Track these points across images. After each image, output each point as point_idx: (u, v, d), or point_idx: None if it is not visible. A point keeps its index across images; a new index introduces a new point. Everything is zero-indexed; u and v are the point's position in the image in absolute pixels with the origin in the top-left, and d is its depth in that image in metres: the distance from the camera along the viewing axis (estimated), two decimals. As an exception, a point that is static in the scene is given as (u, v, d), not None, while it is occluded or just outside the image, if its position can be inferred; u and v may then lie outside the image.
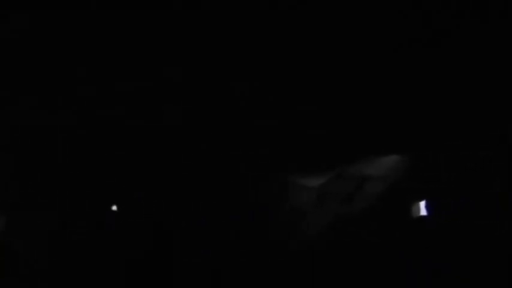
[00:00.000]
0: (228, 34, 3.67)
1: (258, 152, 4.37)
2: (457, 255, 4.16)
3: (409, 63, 3.79)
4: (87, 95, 4.10)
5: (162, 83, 3.99)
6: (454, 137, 4.16)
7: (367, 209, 4.30)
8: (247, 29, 3.62)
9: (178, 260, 4.38)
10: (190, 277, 4.34)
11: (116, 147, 4.37)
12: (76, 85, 4.04)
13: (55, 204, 4.50)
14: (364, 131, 4.21)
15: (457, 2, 3.46)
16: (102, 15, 3.57)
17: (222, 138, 4.30)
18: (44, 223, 4.45)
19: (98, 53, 3.82)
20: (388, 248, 4.24)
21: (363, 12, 3.51)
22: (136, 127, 4.27)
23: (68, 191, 4.52)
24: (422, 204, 4.39)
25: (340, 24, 3.58)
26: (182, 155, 4.39)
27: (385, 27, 3.59)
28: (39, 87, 4.04)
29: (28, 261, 4.37)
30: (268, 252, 4.30)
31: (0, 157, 4.41)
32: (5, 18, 3.60)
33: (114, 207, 4.53)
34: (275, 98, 4.06)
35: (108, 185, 4.52)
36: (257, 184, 4.43)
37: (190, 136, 4.30)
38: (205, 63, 3.86)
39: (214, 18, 3.57)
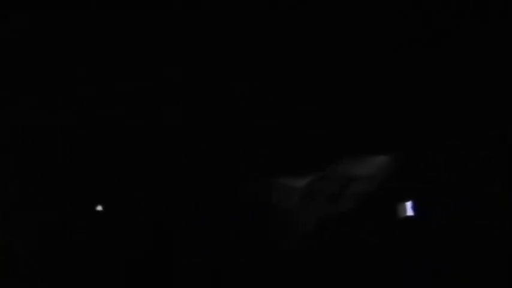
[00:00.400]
0: (228, 34, 3.67)
1: (258, 152, 4.37)
2: (455, 256, 4.16)
3: (409, 63, 3.79)
4: (87, 95, 4.10)
5: (162, 83, 3.98)
6: (454, 137, 4.16)
7: (355, 209, 4.30)
8: (247, 29, 3.63)
9: (178, 260, 4.38)
10: (190, 277, 4.34)
11: (116, 147, 4.37)
12: (76, 85, 4.04)
13: (55, 204, 4.49)
14: (364, 131, 4.21)
15: (457, 2, 3.46)
16: (102, 15, 3.57)
17: (222, 138, 4.30)
18: (44, 223, 4.44)
19: (98, 53, 3.82)
20: (379, 248, 4.24)
21: (363, 12, 3.51)
22: (136, 127, 4.27)
23: (68, 191, 4.51)
24: (414, 204, 4.38)
25: (340, 24, 3.58)
26: (182, 155, 4.39)
27: (385, 27, 3.59)
28: (39, 87, 4.04)
29: (28, 261, 4.37)
30: (263, 253, 4.30)
31: (0, 157, 4.41)
32: (5, 18, 3.60)
33: (100, 208, 4.52)
34: (275, 98, 4.06)
35: (108, 185, 4.52)
36: (256, 184, 4.43)
37: (190, 136, 4.30)
38: (205, 63, 3.86)
39: (214, 18, 3.57)
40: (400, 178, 4.28)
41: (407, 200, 4.34)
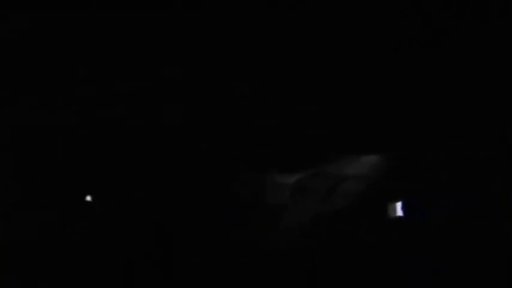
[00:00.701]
0: (228, 34, 3.67)
1: (258, 152, 4.37)
2: (455, 256, 4.16)
3: (409, 63, 3.79)
4: (87, 95, 4.10)
5: (162, 83, 3.98)
6: (454, 137, 4.16)
7: (346, 207, 4.31)
8: (247, 29, 3.62)
9: (178, 260, 4.38)
10: (190, 277, 4.34)
11: (116, 147, 4.37)
12: (76, 85, 4.04)
13: (55, 204, 4.50)
14: (364, 131, 4.21)
15: (457, 2, 3.46)
16: (102, 15, 3.57)
17: (222, 138, 4.30)
18: (44, 223, 4.45)
19: (98, 53, 3.82)
20: (370, 246, 4.24)
21: (363, 12, 3.50)
22: (136, 127, 4.27)
23: (68, 191, 4.51)
24: (407, 203, 4.38)
25: (340, 24, 3.58)
26: (182, 155, 4.39)
27: (385, 27, 3.58)
28: (39, 87, 4.04)
29: (28, 261, 4.37)
30: (255, 250, 4.30)
31: (0, 157, 4.41)
32: (5, 18, 3.60)
33: (89, 198, 4.52)
34: (275, 98, 4.06)
35: (108, 185, 4.52)
36: (250, 181, 4.44)
37: (190, 136, 4.30)
38: (205, 63, 3.86)
39: (214, 18, 3.56)
40: (391, 178, 4.29)
41: (399, 200, 4.36)
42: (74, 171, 4.47)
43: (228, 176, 4.45)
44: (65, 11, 3.55)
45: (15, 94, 4.09)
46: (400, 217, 4.36)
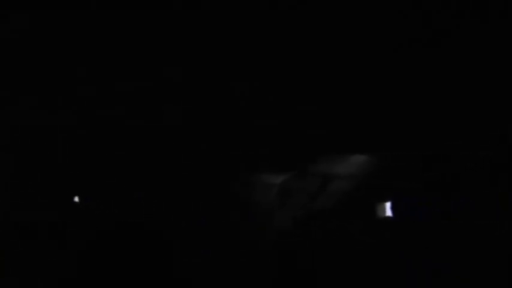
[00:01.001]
0: (228, 34, 3.67)
1: (258, 153, 4.37)
2: (451, 256, 4.16)
3: (409, 63, 3.79)
4: (87, 95, 4.11)
5: (162, 83, 3.99)
6: (455, 137, 4.16)
7: (334, 207, 4.32)
8: (247, 29, 3.62)
9: (178, 260, 4.39)
10: (190, 277, 4.34)
11: (116, 147, 4.38)
12: (76, 85, 4.04)
13: (55, 204, 4.50)
14: (364, 131, 4.21)
15: (457, 2, 3.46)
16: (102, 15, 3.57)
17: (222, 138, 4.31)
18: (44, 223, 4.45)
19: (98, 53, 3.82)
20: (358, 245, 4.25)
21: (363, 12, 3.50)
22: (136, 127, 4.27)
23: (68, 191, 4.52)
24: (397, 203, 4.39)
25: (340, 24, 3.58)
26: (182, 155, 4.39)
27: (385, 27, 3.59)
28: (39, 87, 4.04)
29: (28, 261, 4.37)
30: (243, 251, 4.32)
31: (0, 157, 4.41)
32: (5, 18, 3.60)
33: (76, 199, 4.53)
34: (275, 98, 4.07)
35: (108, 185, 4.52)
36: (254, 183, 4.44)
37: (190, 136, 4.30)
38: (205, 63, 3.86)
39: (214, 18, 3.56)
40: (381, 177, 4.30)
41: (389, 200, 4.37)
42: (73, 171, 4.47)
43: (228, 176, 4.45)
44: (65, 11, 3.55)
45: (15, 94, 4.09)
46: (390, 217, 4.37)
